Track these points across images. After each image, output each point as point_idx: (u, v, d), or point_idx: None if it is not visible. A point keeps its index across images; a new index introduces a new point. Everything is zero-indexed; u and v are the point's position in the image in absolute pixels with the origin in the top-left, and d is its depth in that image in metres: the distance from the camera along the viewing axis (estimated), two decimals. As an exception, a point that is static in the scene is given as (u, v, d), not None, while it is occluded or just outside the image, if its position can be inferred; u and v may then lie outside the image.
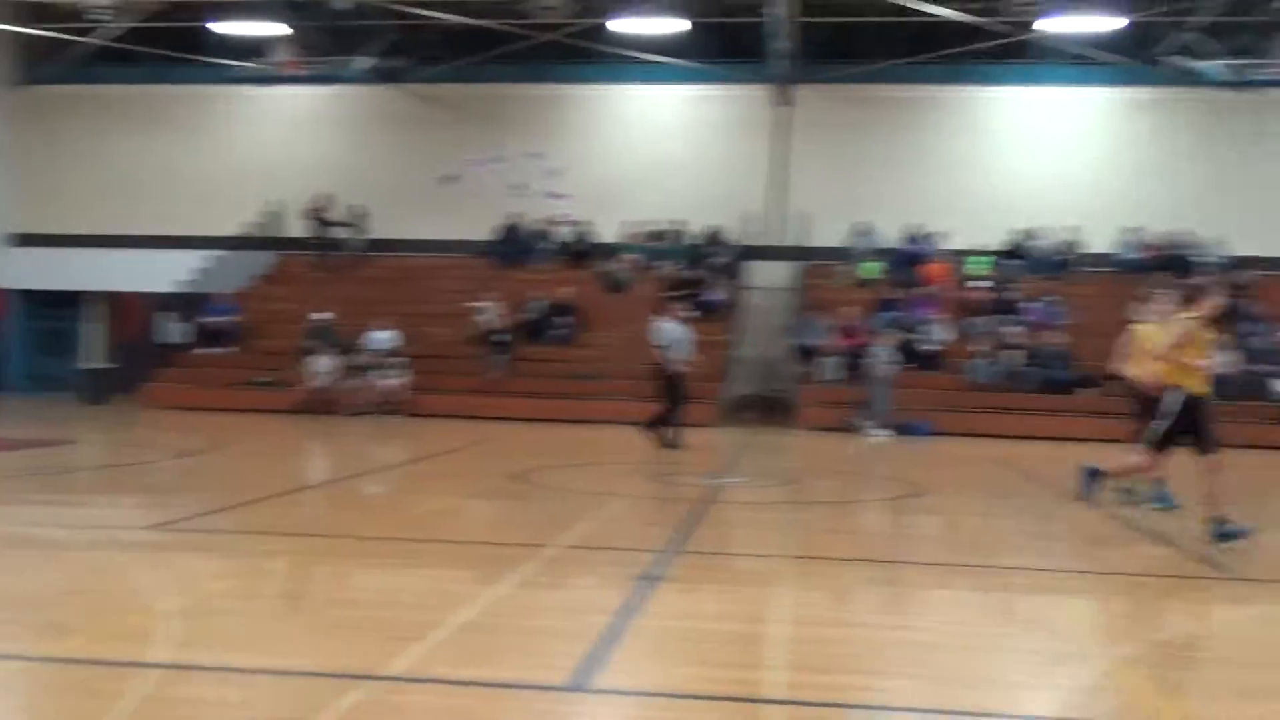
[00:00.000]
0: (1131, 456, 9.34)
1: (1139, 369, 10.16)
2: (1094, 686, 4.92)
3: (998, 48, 24.55)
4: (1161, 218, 24.49)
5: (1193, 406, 8.62)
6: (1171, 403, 8.65)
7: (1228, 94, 22.75)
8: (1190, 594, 7.43)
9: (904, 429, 19.71)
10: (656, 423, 15.09)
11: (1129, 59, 24.15)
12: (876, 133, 25.37)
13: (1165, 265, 23.71)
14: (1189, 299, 9.52)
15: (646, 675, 4.90)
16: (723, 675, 4.86)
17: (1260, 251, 24.00)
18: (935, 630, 6.03)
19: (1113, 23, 21.93)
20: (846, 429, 19.90)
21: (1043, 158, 25.18)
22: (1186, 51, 21.57)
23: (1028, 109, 25.46)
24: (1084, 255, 24.66)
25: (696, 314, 19.35)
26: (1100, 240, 24.64)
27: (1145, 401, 9.78)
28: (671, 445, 14.92)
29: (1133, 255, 24.38)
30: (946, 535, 9.81)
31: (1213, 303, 9.81)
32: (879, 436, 19.39)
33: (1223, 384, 20.14)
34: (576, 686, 4.55)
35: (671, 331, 15.45)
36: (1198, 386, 8.78)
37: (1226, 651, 5.82)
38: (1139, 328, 10.49)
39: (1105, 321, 23.00)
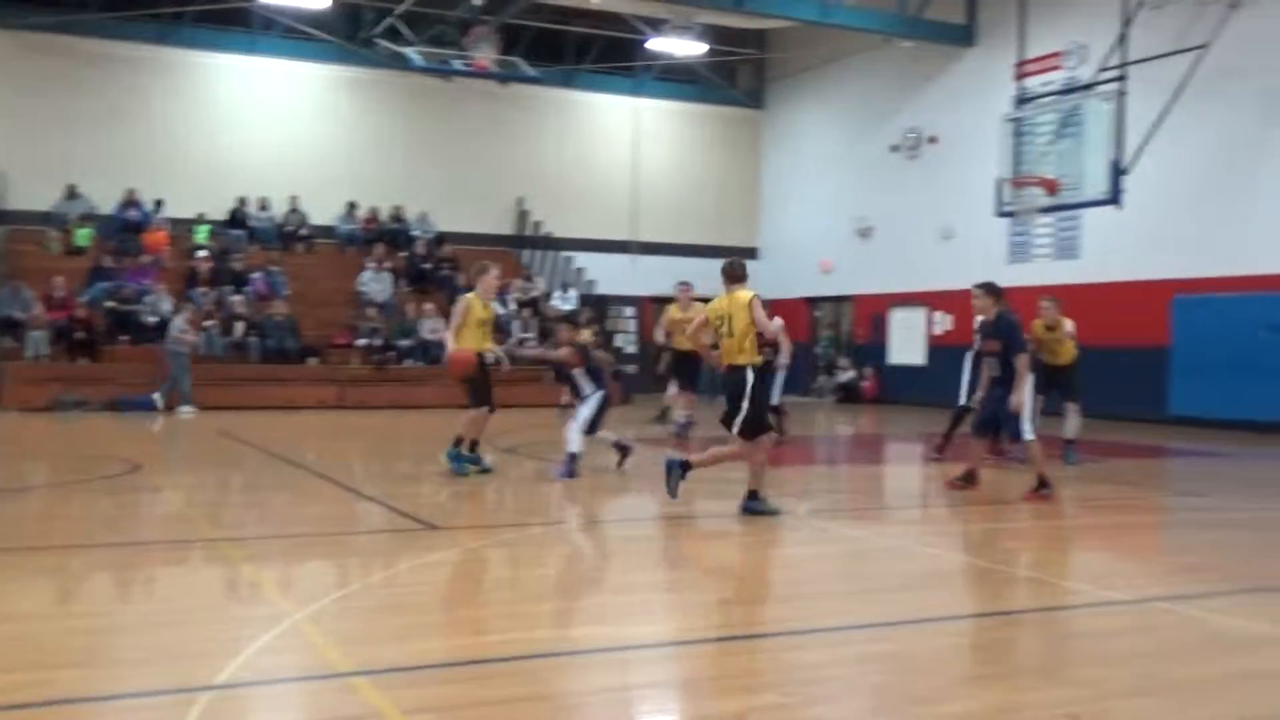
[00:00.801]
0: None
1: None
2: (279, 646, 5.04)
3: (214, 12, 24.11)
4: (377, 193, 25.87)
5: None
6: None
7: (430, 81, 24.50)
8: (391, 546, 7.94)
9: (125, 404, 18.79)
10: None
11: (342, 38, 25.02)
12: (83, 89, 23.58)
13: (382, 238, 25.14)
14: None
15: None
16: None
17: (459, 228, 26.37)
18: (137, 611, 5.82)
19: (320, 1, 22.42)
20: (58, 407, 18.50)
21: (264, 129, 25.20)
22: (393, 36, 22.82)
23: (248, 78, 25.26)
24: (306, 227, 25.19)
25: None
26: (322, 213, 25.35)
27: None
28: None
29: (352, 228, 25.46)
30: (168, 511, 9.48)
31: (488, 279, 10.92)
32: (187, 412, 18.81)
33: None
34: None
35: None
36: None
37: (404, 597, 6.27)
38: (469, 298, 11.05)
39: (327, 291, 23.87)
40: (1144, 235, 19.09)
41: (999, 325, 10.09)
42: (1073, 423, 12.58)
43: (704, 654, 5.21)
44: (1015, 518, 9.35)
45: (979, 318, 10.52)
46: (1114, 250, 19.68)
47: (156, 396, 19.05)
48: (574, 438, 10.96)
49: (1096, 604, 6.32)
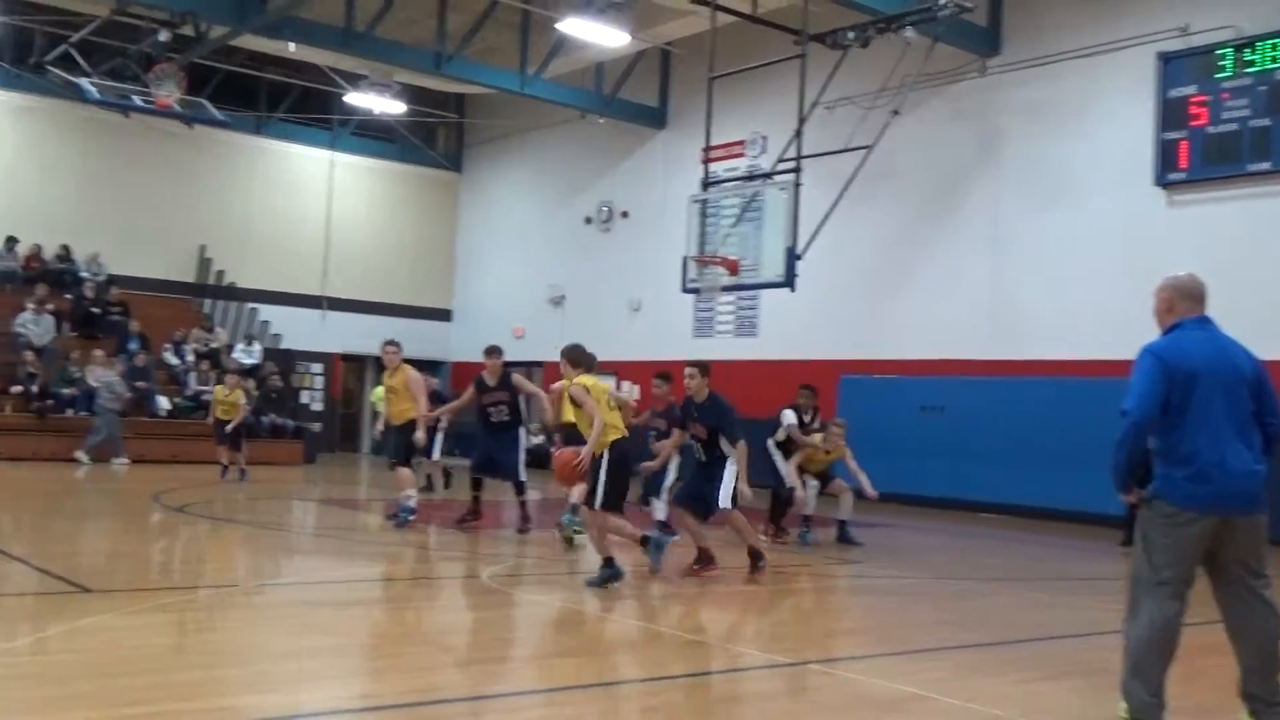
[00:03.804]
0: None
1: None
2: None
3: None
4: (42, 230, 24.08)
5: None
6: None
7: (109, 115, 23.14)
8: (39, 609, 7.33)
9: None
10: None
11: (9, 62, 23.30)
12: None
13: (45, 278, 23.38)
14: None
15: None
16: None
17: (134, 272, 24.93)
18: None
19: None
20: None
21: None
22: (68, 65, 21.38)
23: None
24: (-44, 261, 23.13)
25: None
26: (-23, 247, 23.37)
27: None
28: None
29: (10, 265, 23.56)
30: None
31: None
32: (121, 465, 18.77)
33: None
34: None
35: None
36: None
37: (50, 665, 5.81)
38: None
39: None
40: (815, 317, 20.38)
41: (710, 408, 9.72)
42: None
43: (375, 722, 5.08)
44: (689, 584, 9.68)
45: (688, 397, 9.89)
46: (788, 330, 20.91)
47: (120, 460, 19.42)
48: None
49: (759, 667, 6.62)
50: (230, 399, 17.61)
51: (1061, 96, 17.83)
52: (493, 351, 12.13)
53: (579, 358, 9.15)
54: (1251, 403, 5.19)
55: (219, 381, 18.98)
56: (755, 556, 9.75)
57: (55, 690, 5.22)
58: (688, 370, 9.83)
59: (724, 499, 9.55)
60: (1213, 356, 5.17)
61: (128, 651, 6.12)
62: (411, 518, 11.99)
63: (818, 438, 12.76)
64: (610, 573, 8.68)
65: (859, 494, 12.86)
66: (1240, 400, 5.15)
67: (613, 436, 8.76)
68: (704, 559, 9.74)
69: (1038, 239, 17.94)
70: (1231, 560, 5.16)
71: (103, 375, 20.06)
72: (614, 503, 8.87)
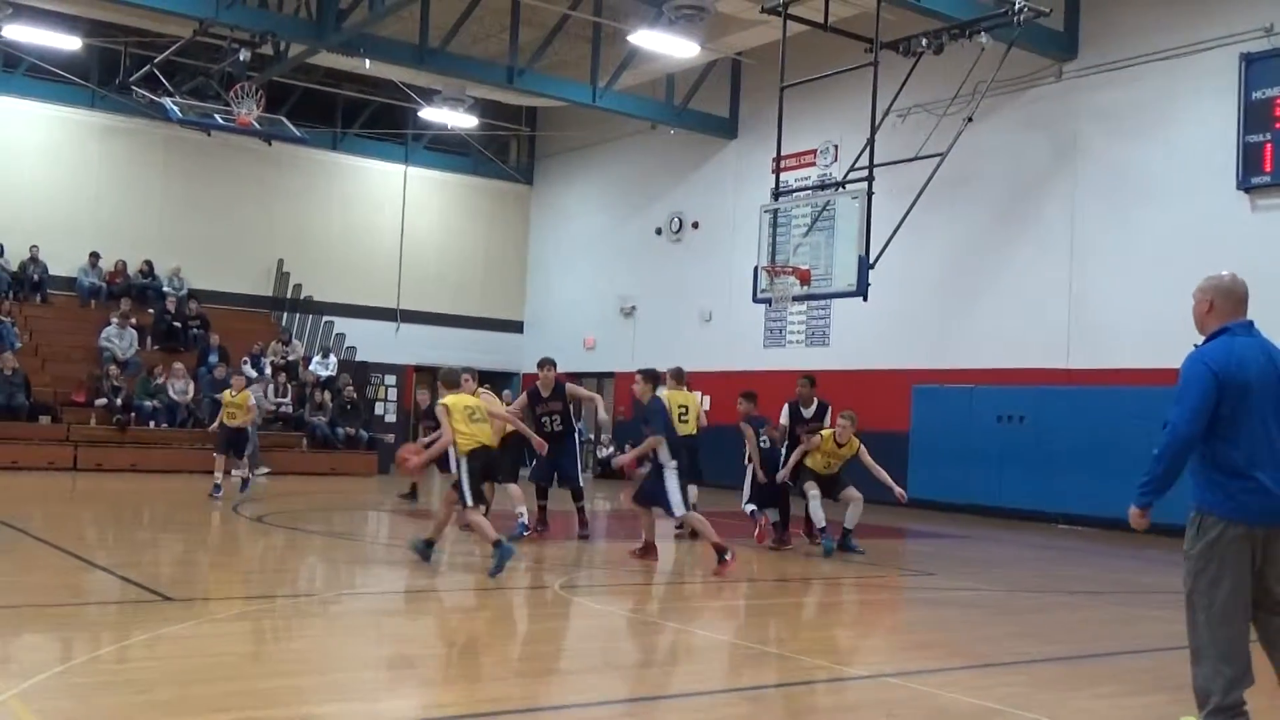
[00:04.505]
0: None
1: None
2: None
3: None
4: (126, 246, 24.69)
5: None
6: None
7: (190, 134, 23.67)
8: (122, 618, 7.48)
9: None
10: None
11: (95, 83, 23.92)
12: None
13: (129, 292, 23.96)
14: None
15: None
16: None
17: (214, 286, 25.45)
18: None
19: (72, 42, 21.45)
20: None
21: (3, 172, 23.72)
22: (151, 85, 21.88)
23: (-12, 118, 23.81)
24: (44, 277, 23.75)
25: None
26: (63, 263, 23.99)
27: None
28: None
29: (95, 281, 24.16)
30: None
31: None
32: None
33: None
34: None
35: None
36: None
37: (134, 673, 5.92)
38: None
39: (65, 346, 22.53)
40: (887, 327, 20.19)
41: (647, 409, 10.76)
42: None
43: (450, 732, 5.11)
44: (760, 594, 9.62)
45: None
46: (860, 339, 20.74)
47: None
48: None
49: (832, 679, 6.56)
50: (239, 401, 15.96)
51: (1141, 100, 17.51)
52: (545, 364, 12.45)
53: (450, 380, 10.23)
54: None
55: (225, 385, 17.39)
56: (647, 550, 10.80)
57: (138, 697, 5.32)
58: (636, 375, 11.08)
59: (675, 507, 10.35)
60: (1264, 365, 5.03)
61: (208, 659, 6.22)
62: (526, 533, 11.99)
63: (826, 434, 12.40)
64: (504, 551, 9.21)
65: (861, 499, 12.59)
66: None
67: (471, 446, 9.46)
68: (645, 550, 10.91)
69: (1117, 245, 17.62)
70: (1275, 580, 4.96)
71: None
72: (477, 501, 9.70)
